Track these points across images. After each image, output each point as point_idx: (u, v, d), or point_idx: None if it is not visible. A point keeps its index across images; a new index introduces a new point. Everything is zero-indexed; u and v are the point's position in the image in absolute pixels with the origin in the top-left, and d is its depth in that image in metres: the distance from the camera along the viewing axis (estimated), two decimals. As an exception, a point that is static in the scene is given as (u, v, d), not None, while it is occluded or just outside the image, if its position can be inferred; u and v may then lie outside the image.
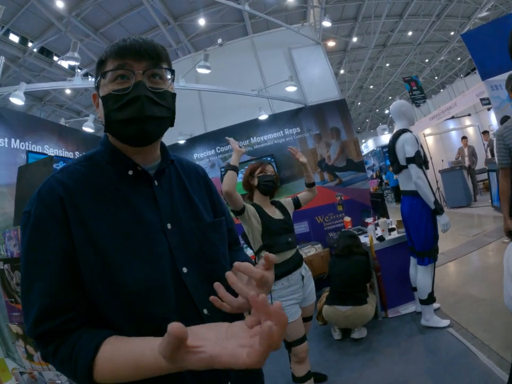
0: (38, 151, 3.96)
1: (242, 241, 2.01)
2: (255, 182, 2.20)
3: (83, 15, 8.33)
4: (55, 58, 10.01)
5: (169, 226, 0.73)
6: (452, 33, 14.18)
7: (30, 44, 8.88)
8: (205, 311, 0.71)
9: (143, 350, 0.53)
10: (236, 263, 0.59)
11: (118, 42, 0.69)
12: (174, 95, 0.75)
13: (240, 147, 2.15)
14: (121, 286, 0.63)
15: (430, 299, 2.84)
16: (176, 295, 0.68)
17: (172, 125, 0.77)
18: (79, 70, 9.12)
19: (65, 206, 0.64)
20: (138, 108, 0.67)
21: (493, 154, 6.00)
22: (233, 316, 0.71)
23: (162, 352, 0.42)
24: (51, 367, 1.72)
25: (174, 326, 0.39)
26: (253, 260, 4.20)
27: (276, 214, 2.20)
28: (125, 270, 0.64)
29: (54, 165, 2.35)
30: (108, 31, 9.31)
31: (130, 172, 0.73)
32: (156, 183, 0.76)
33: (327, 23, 6.87)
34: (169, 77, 0.74)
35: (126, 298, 0.64)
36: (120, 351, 0.57)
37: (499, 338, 2.42)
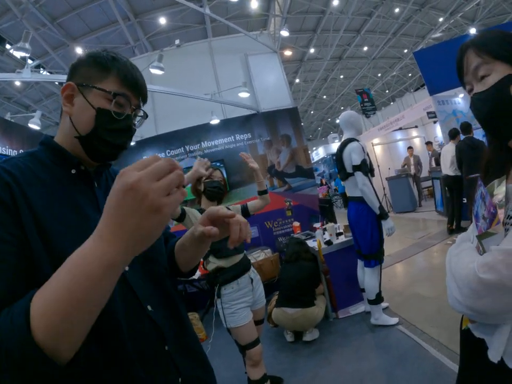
0: (-21, 147, 3.70)
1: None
2: (202, 187, 2.19)
3: (42, 2, 7.80)
4: (8, 46, 9.31)
5: None
6: (406, 50, 15.03)
7: (-15, 29, 8.20)
8: (149, 307, 0.74)
9: (73, 257, 0.47)
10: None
11: (126, 71, 0.76)
12: (135, 130, 0.83)
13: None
14: None
15: (378, 299, 2.95)
16: (120, 292, 0.68)
17: None
18: (30, 62, 8.58)
19: (13, 193, 0.61)
20: (124, 138, 0.77)
21: (437, 164, 6.45)
22: (176, 313, 0.83)
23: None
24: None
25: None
26: (202, 264, 4.19)
27: None
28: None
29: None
30: (66, 22, 8.75)
31: (73, 171, 0.75)
32: (96, 184, 0.79)
33: (285, 33, 7.03)
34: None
35: None
36: (53, 277, 0.48)
37: (447, 332, 2.55)
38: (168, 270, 0.89)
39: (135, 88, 0.77)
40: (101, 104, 0.73)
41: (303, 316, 2.98)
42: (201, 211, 2.15)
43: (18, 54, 9.12)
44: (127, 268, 0.72)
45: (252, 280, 2.19)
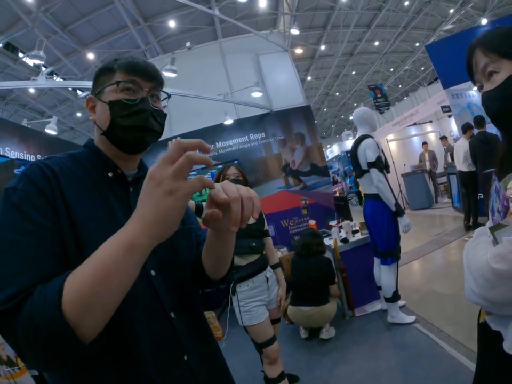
0: (-2, 153, 3.79)
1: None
2: None
3: (52, 11, 7.96)
4: (21, 54, 9.55)
5: None
6: (417, 44, 14.78)
7: (-4, 39, 8.43)
8: (172, 314, 0.74)
9: (105, 245, 0.53)
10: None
11: (130, 60, 0.78)
12: (165, 115, 0.84)
13: None
14: None
15: (395, 297, 2.93)
16: (144, 295, 0.70)
17: (156, 140, 0.84)
18: (44, 69, 8.78)
19: (52, 186, 0.66)
20: (144, 119, 0.76)
21: (453, 159, 6.35)
22: (198, 321, 0.84)
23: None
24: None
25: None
26: None
27: None
28: None
29: (15, 170, 2.25)
30: (76, 28, 8.97)
31: (110, 174, 0.77)
32: (131, 189, 0.80)
33: (295, 31, 7.01)
34: (162, 99, 0.84)
35: None
36: (86, 260, 0.54)
37: (464, 331, 2.51)
38: (195, 278, 0.88)
39: (142, 71, 0.78)
40: (111, 98, 0.76)
41: (317, 313, 2.97)
42: None
43: (31, 62, 9.39)
44: (153, 273, 0.73)
45: (267, 279, 2.17)
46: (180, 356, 0.73)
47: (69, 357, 0.53)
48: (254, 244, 2.15)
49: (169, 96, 0.85)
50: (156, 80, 0.80)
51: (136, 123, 0.76)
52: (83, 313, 0.51)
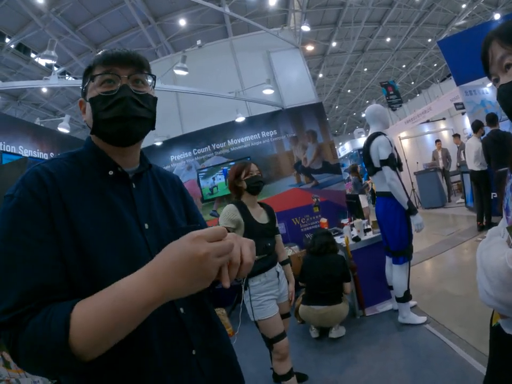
0: (12, 151, 3.85)
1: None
2: (244, 185, 2.19)
3: (63, 12, 8.09)
4: (33, 55, 9.69)
5: (146, 226, 0.76)
6: (429, 40, 14.55)
7: (7, 40, 8.57)
8: (182, 309, 0.75)
9: (121, 287, 0.55)
10: None
11: (104, 52, 0.77)
12: (155, 99, 0.82)
13: None
14: (101, 278, 0.63)
15: (406, 297, 2.90)
16: None
17: (153, 127, 0.83)
18: (56, 69, 8.91)
19: (49, 193, 0.65)
20: (123, 108, 0.74)
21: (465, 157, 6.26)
22: (206, 316, 0.85)
23: None
24: (29, 374, 1.68)
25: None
26: None
27: (261, 217, 2.23)
28: (105, 264, 0.65)
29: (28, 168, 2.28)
30: (87, 28, 9.08)
31: (110, 172, 0.77)
32: (134, 185, 0.80)
33: (306, 28, 6.95)
34: (150, 81, 0.82)
35: (102, 285, 0.61)
36: (97, 298, 0.56)
37: (475, 333, 2.48)
38: None
39: (117, 59, 0.76)
40: (91, 95, 0.75)
41: (330, 312, 2.96)
42: (240, 204, 2.17)
43: (44, 62, 9.54)
44: None
45: (278, 273, 2.21)
46: (189, 351, 0.74)
47: (71, 371, 0.58)
48: (269, 244, 2.19)
49: (154, 78, 0.83)
50: (134, 64, 0.77)
51: (115, 114, 0.74)
52: (90, 348, 0.54)
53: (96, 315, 0.53)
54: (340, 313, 3.00)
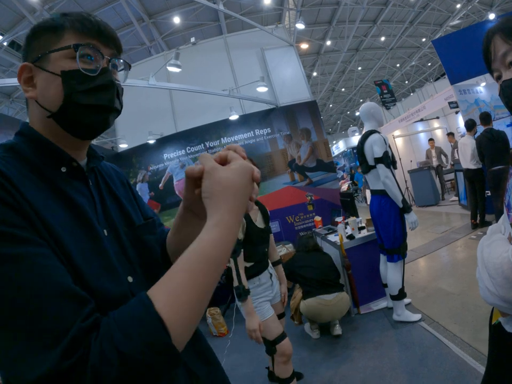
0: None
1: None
2: None
3: (56, 9, 8.00)
4: (24, 52, 9.60)
5: (105, 232, 0.64)
6: (424, 39, 14.66)
7: (0, 37, 8.50)
8: None
9: (194, 248, 0.50)
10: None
11: (82, 16, 0.62)
12: (122, 90, 0.70)
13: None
14: (93, 297, 0.52)
15: (401, 294, 2.91)
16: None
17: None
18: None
19: (9, 191, 0.49)
20: (110, 97, 0.63)
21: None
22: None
23: None
24: None
25: None
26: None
27: (258, 221, 2.17)
28: (94, 280, 0.55)
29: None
30: (80, 26, 9.04)
31: (63, 169, 0.62)
32: (90, 182, 0.68)
33: (300, 26, 6.94)
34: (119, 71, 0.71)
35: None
36: (172, 273, 0.49)
37: (470, 330, 2.51)
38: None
39: (101, 34, 0.62)
40: (64, 67, 0.59)
41: (342, 299, 2.94)
42: None
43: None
44: (131, 279, 0.64)
45: (271, 275, 2.20)
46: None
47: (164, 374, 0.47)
48: (266, 249, 2.20)
49: (129, 66, 0.72)
50: (115, 45, 0.66)
51: (101, 102, 0.61)
52: (186, 331, 0.48)
53: (184, 292, 0.46)
54: (348, 300, 3.01)
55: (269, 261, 2.28)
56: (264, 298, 2.10)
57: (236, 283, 1.87)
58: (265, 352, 2.12)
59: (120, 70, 0.71)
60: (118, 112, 0.67)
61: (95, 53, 0.61)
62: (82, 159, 0.68)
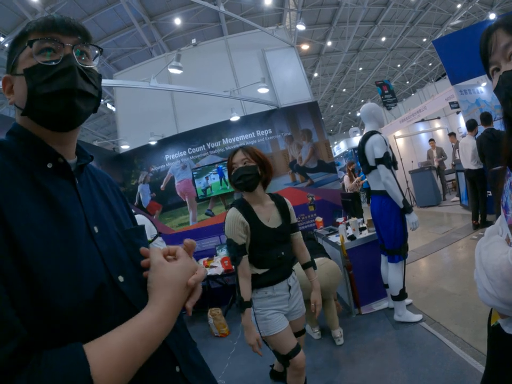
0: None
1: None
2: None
3: (57, 10, 8.01)
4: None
5: (96, 229, 0.65)
6: (424, 39, 14.65)
7: (1, 39, 8.48)
8: None
9: (132, 324, 0.56)
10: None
11: (44, 17, 0.64)
12: (100, 76, 0.70)
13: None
14: (52, 305, 0.51)
15: (402, 295, 2.90)
16: (116, 309, 0.60)
17: (95, 110, 0.71)
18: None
19: None
20: (70, 80, 0.61)
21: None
22: (180, 326, 0.78)
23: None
24: None
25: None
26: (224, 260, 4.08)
27: (272, 220, 1.82)
28: (54, 284, 0.52)
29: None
30: (82, 27, 9.07)
31: (49, 165, 0.63)
32: (77, 181, 0.67)
33: (301, 27, 6.96)
34: (94, 58, 0.71)
35: (59, 319, 0.52)
36: (109, 339, 0.53)
37: (471, 330, 2.50)
38: None
39: (61, 25, 0.63)
40: (26, 65, 0.61)
41: (326, 263, 2.92)
42: (242, 205, 1.79)
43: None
44: (122, 279, 0.64)
45: (289, 287, 1.84)
46: (172, 368, 0.69)
47: None
48: (283, 253, 1.80)
49: (101, 50, 0.72)
50: (79, 33, 0.66)
51: (61, 86, 0.60)
52: None
53: (120, 360, 0.51)
54: (337, 270, 3.00)
55: (298, 263, 1.96)
56: (276, 311, 1.79)
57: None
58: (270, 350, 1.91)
59: (96, 57, 0.71)
60: (89, 95, 0.65)
61: (55, 44, 0.62)
62: (70, 158, 0.68)
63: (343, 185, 8.99)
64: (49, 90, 0.60)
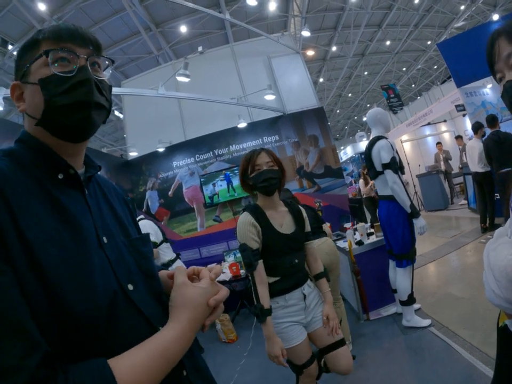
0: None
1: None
2: (252, 182, 1.73)
3: (65, 19, 8.15)
4: (36, 62, 9.79)
5: (105, 240, 0.66)
6: (429, 42, 14.62)
7: (10, 47, 8.65)
8: (161, 328, 0.65)
9: (155, 341, 0.59)
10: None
11: (57, 25, 0.64)
12: (111, 87, 0.71)
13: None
14: (68, 314, 0.52)
15: (410, 300, 2.88)
16: (127, 317, 0.62)
17: (105, 121, 0.71)
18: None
19: None
20: (87, 91, 0.62)
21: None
22: None
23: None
24: None
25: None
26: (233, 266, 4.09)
27: (285, 226, 1.74)
28: (70, 294, 0.53)
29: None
30: (89, 35, 9.20)
31: (60, 176, 0.63)
32: (86, 191, 0.68)
33: (306, 33, 7.00)
34: (104, 69, 0.71)
35: (73, 328, 0.53)
36: (133, 356, 0.55)
37: (480, 335, 2.47)
38: None
39: (75, 36, 0.63)
40: (41, 75, 0.61)
41: (324, 243, 2.88)
42: (255, 210, 1.73)
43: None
44: (131, 287, 0.65)
45: (305, 296, 1.72)
46: (179, 372, 0.70)
47: None
48: (296, 261, 1.71)
49: (113, 62, 0.73)
50: (92, 45, 0.66)
51: (78, 98, 0.61)
52: None
53: (147, 375, 0.54)
54: (335, 248, 2.94)
55: (309, 275, 1.86)
56: (292, 323, 1.68)
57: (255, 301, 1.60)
58: None
59: (106, 68, 0.71)
60: (102, 107, 0.66)
61: (70, 54, 0.62)
62: (79, 168, 0.69)
63: (359, 190, 8.91)
64: (67, 102, 0.60)
